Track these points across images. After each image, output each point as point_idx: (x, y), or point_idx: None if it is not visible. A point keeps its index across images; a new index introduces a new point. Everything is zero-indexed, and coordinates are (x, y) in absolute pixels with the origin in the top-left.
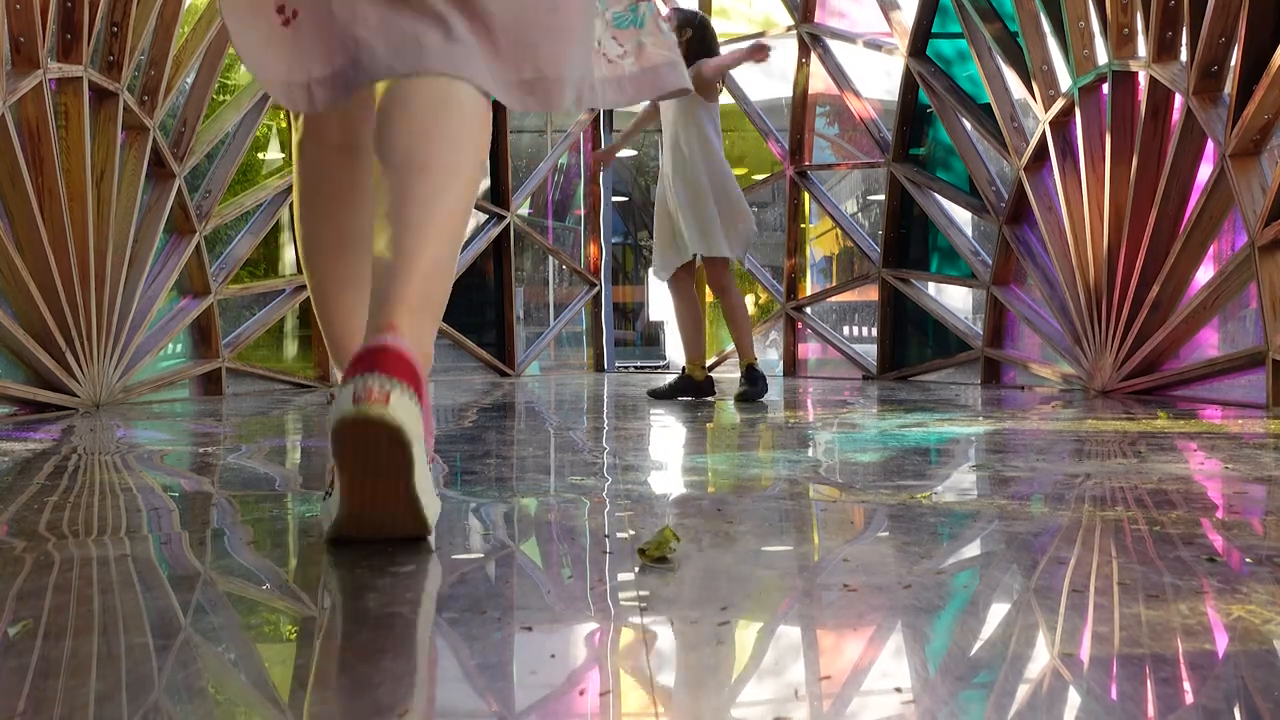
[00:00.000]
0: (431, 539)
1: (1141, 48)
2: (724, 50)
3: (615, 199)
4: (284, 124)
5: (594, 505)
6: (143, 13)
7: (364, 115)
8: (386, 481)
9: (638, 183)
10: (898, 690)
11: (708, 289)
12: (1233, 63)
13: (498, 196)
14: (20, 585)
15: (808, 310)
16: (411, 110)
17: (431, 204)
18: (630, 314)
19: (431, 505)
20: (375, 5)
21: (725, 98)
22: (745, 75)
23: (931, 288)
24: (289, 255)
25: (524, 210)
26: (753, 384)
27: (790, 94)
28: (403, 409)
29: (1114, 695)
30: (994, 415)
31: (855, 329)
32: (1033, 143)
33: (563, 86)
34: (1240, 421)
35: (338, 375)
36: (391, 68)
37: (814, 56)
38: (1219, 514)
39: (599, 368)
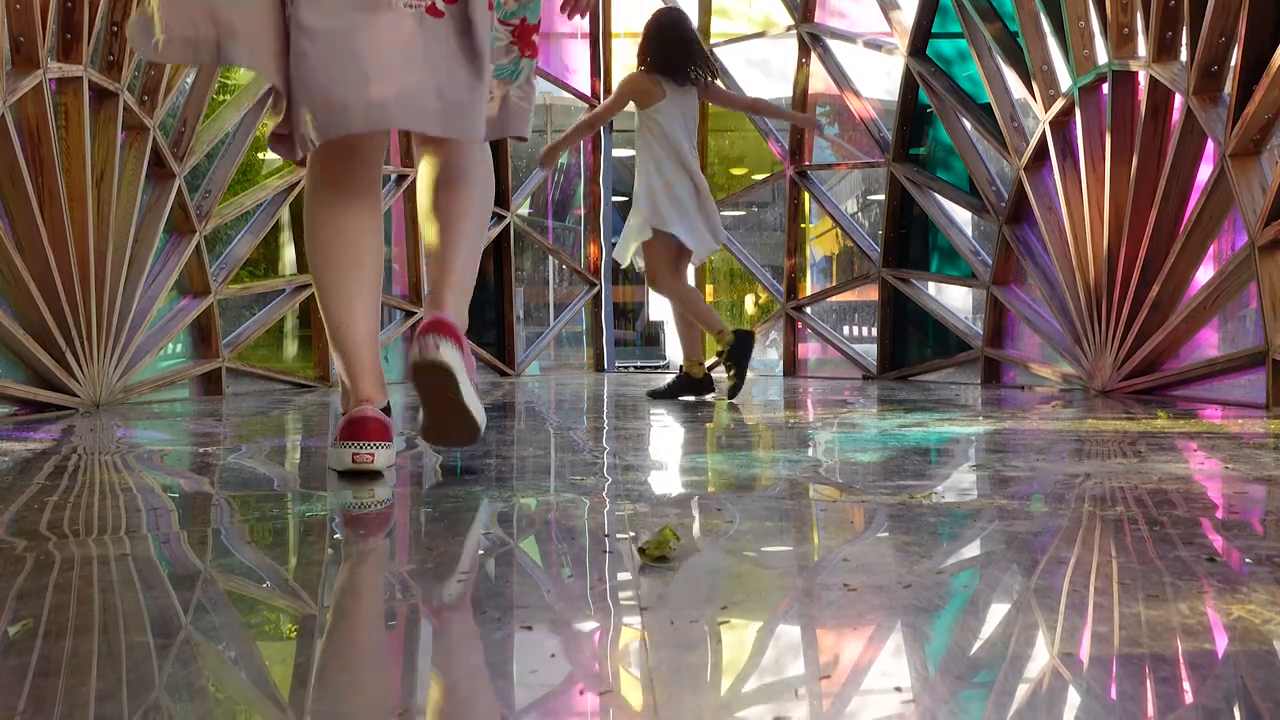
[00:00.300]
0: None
1: (1141, 48)
2: (729, 48)
3: (615, 199)
4: None
5: (594, 505)
6: None
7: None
8: (446, 398)
9: None
10: (898, 690)
11: (706, 286)
12: (1233, 63)
13: (498, 196)
14: (20, 584)
15: (808, 310)
16: (452, 191)
17: (460, 243)
18: (630, 314)
19: (478, 410)
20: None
21: None
22: (745, 75)
23: (931, 287)
24: (289, 255)
25: (524, 210)
26: (736, 364)
27: (790, 94)
28: (448, 353)
29: (1114, 695)
30: (994, 415)
31: (855, 329)
32: (1033, 142)
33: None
34: (1240, 421)
35: (338, 365)
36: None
37: (814, 56)
38: (1219, 514)
39: (599, 368)
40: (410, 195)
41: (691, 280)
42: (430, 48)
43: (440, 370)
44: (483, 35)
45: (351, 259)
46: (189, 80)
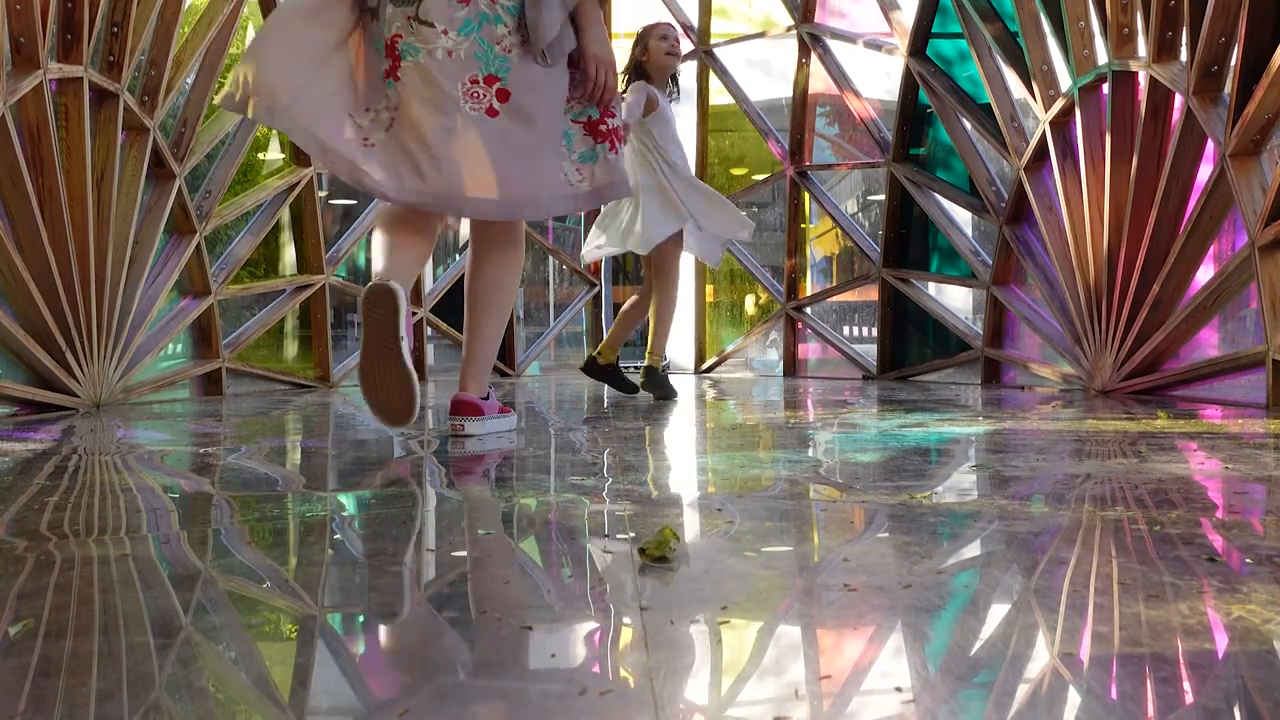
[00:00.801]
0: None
1: (1141, 48)
2: (729, 48)
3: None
4: None
5: (594, 505)
6: (143, 13)
7: None
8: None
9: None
10: (898, 690)
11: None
12: (1233, 62)
13: None
14: (21, 585)
15: (808, 310)
16: (485, 259)
17: (485, 320)
18: None
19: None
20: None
21: (725, 98)
22: (745, 75)
23: (931, 288)
24: (289, 255)
25: None
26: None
27: (790, 94)
28: (473, 426)
29: (1114, 695)
30: (994, 415)
31: (855, 329)
32: (1033, 143)
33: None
34: (1240, 421)
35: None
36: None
37: (814, 56)
38: (1219, 514)
39: None
40: None
41: (695, 289)
42: (485, 144)
43: (466, 438)
44: (532, 128)
45: (404, 242)
46: (189, 80)
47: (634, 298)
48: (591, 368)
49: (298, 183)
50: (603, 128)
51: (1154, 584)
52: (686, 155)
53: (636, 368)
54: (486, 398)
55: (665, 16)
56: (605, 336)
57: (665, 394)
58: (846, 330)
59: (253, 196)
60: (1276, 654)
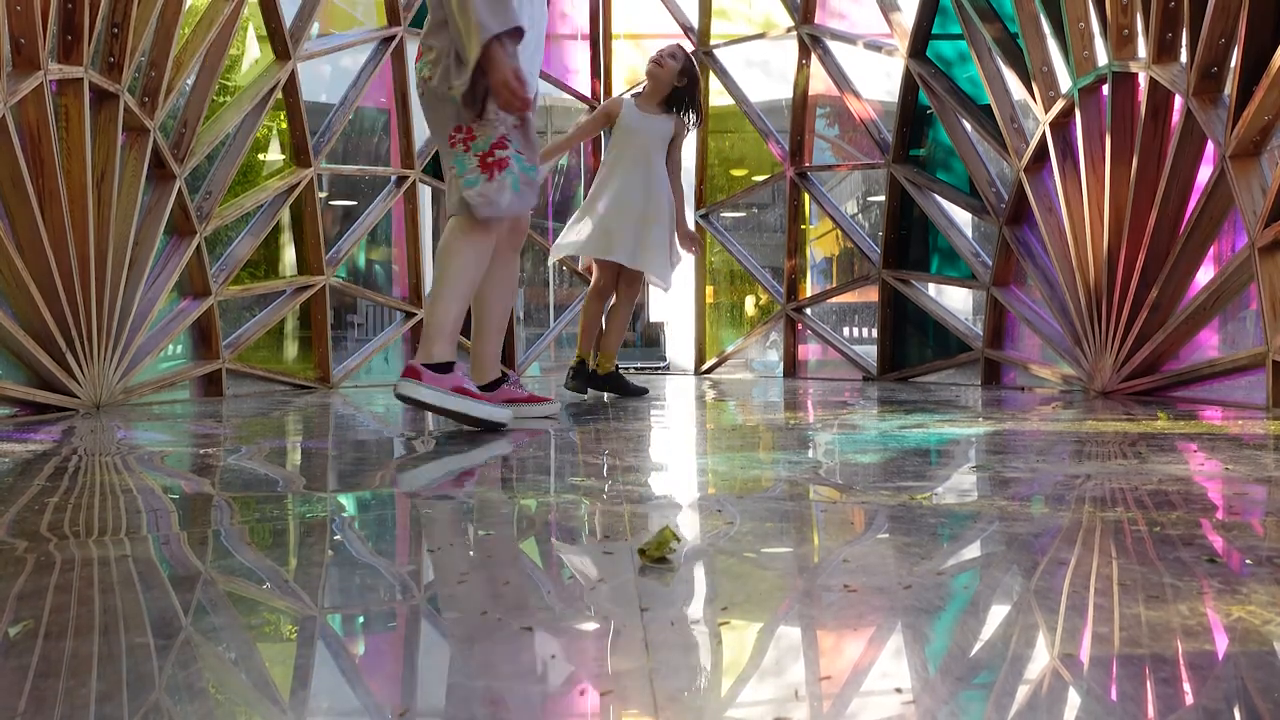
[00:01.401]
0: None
1: (1141, 49)
2: (729, 49)
3: None
4: (284, 125)
5: (594, 506)
6: (143, 14)
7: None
8: (436, 411)
9: None
10: (898, 690)
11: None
12: (1233, 64)
13: None
14: (21, 585)
15: (808, 311)
16: (444, 232)
17: (438, 288)
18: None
19: (474, 410)
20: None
21: (725, 99)
22: (745, 76)
23: (931, 289)
24: (289, 256)
25: None
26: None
27: (790, 95)
28: (405, 387)
29: (1114, 696)
30: (994, 416)
31: (855, 330)
32: (1033, 144)
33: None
34: (1240, 422)
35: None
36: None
37: (814, 58)
38: (1219, 515)
39: None
40: (410, 196)
41: (695, 290)
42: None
43: (409, 400)
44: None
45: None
46: (189, 81)
47: (612, 300)
48: (593, 379)
49: (298, 183)
50: (489, 159)
51: (1154, 585)
52: (647, 181)
53: (637, 368)
54: (450, 370)
55: (665, 18)
56: (600, 344)
57: (633, 390)
58: (846, 331)
59: (253, 197)
60: (1277, 655)
